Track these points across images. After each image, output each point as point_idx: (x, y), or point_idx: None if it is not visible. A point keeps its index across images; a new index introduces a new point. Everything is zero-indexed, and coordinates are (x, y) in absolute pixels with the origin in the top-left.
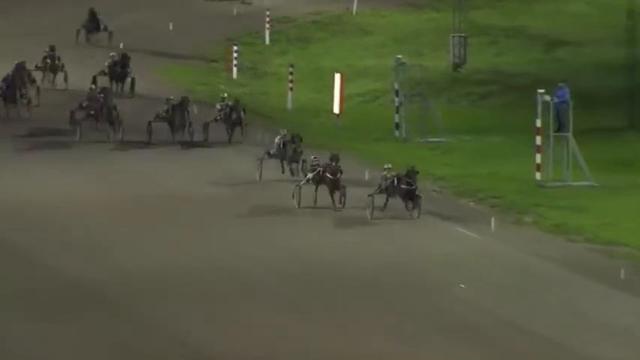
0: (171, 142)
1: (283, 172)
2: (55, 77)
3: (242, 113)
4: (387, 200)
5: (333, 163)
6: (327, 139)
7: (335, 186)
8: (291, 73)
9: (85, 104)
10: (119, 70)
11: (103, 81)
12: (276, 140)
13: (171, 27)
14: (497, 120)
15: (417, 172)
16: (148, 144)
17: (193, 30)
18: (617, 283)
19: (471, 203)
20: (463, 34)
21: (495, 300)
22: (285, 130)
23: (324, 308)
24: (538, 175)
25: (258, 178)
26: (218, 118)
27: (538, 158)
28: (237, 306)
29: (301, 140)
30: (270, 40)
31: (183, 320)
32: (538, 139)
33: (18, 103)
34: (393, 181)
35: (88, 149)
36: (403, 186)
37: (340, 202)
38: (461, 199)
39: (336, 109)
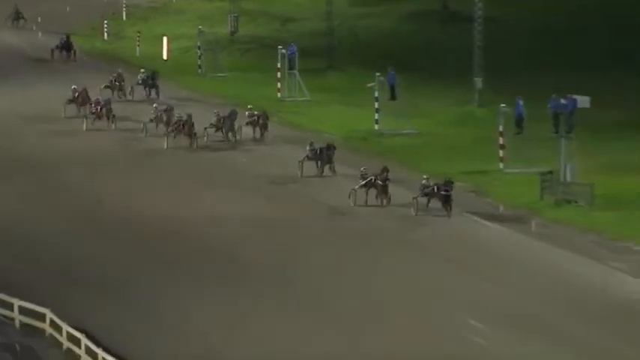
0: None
1: (321, 172)
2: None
3: (267, 120)
4: (429, 202)
5: (384, 173)
6: (161, 72)
7: (383, 190)
8: (139, 37)
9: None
10: (150, 81)
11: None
12: (308, 147)
13: (68, 9)
14: (256, 64)
15: (453, 182)
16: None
17: (81, 12)
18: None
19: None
20: (236, 14)
21: (259, 164)
22: (312, 141)
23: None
24: (279, 94)
25: (299, 175)
26: (248, 122)
27: (279, 85)
28: (130, 175)
29: (335, 148)
30: (126, 17)
31: (97, 184)
32: (279, 75)
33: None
34: (434, 188)
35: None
36: (442, 192)
37: (386, 202)
38: (236, 107)
39: (165, 57)
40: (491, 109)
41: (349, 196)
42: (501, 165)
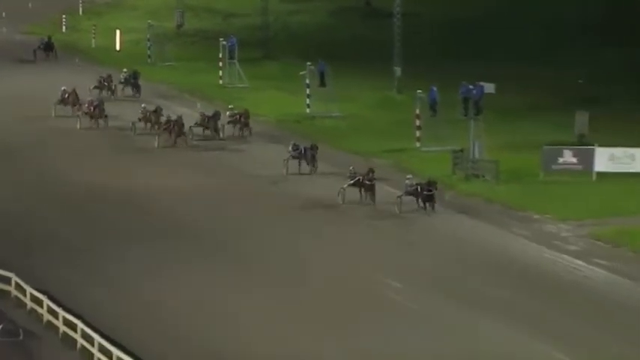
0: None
1: (314, 170)
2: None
3: (248, 119)
4: (418, 201)
5: (370, 174)
6: (115, 62)
7: (370, 189)
8: (94, 30)
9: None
10: (132, 80)
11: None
12: (291, 147)
13: (30, 6)
14: (200, 55)
15: (436, 182)
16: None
17: (42, 7)
18: (271, 138)
19: (186, 94)
20: (182, 9)
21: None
22: (294, 142)
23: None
24: (221, 82)
25: (285, 174)
26: (230, 121)
27: (220, 73)
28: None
29: (317, 149)
30: (82, 12)
31: (72, 170)
32: (220, 64)
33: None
34: (417, 188)
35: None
36: (425, 192)
37: (372, 200)
38: (183, 93)
39: (118, 48)
40: (408, 95)
41: (338, 194)
42: (418, 144)
